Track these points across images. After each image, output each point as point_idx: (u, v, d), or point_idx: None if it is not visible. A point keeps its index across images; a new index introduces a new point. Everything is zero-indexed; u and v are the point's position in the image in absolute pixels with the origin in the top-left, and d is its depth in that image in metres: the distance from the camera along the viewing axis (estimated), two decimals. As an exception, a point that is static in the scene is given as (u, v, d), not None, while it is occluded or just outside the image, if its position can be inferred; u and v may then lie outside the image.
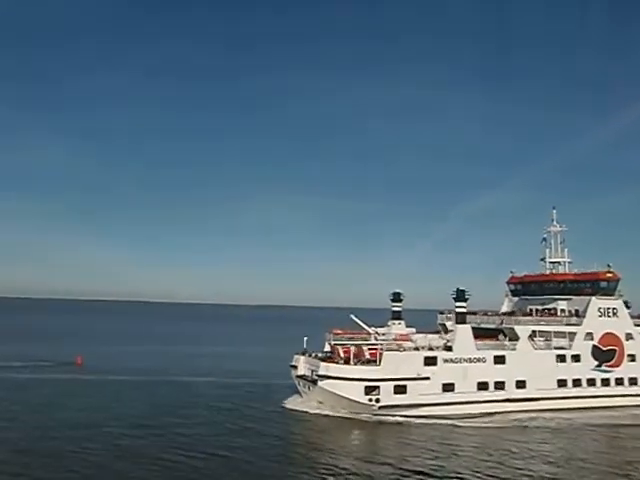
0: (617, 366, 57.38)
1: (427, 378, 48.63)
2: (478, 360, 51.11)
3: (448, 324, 57.39)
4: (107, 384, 63.01)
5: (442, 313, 63.48)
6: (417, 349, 50.13)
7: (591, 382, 55.78)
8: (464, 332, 51.77)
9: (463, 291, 52.97)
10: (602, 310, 58.15)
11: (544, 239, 65.35)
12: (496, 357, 51.97)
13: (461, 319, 52.31)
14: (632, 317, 60.77)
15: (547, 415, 50.47)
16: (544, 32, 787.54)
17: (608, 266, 60.89)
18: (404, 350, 49.57)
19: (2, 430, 40.04)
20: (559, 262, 64.27)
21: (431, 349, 50.50)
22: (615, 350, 57.59)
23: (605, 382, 56.44)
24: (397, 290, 64.05)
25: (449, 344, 51.28)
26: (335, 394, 47.48)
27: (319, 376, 48.05)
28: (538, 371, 52.93)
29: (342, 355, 50.18)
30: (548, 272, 64.34)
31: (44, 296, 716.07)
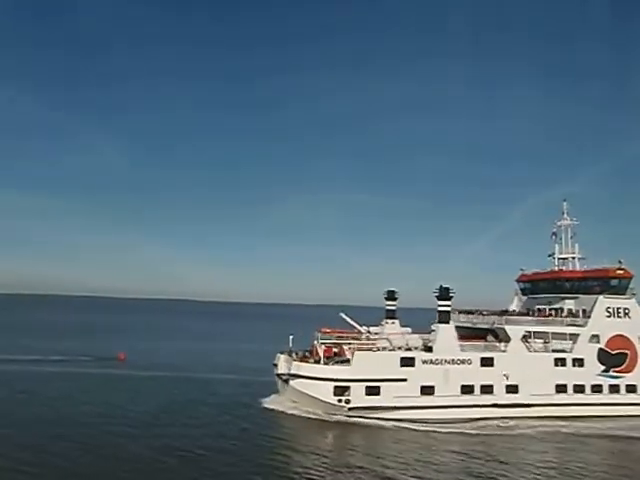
0: (629, 372, 52.40)
1: (404, 380, 46.17)
2: (462, 362, 48.10)
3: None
4: (134, 379, 64.34)
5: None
6: (393, 349, 47.69)
7: (597, 388, 51.21)
8: (446, 332, 48.91)
9: (447, 289, 50.12)
10: (611, 310, 53.28)
11: (554, 234, 60.83)
12: (483, 359, 48.74)
13: (444, 318, 49.46)
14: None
15: (542, 423, 46.99)
16: (607, 32, 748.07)
17: (619, 262, 55.81)
18: (378, 350, 47.23)
19: (39, 418, 43.15)
20: (568, 258, 59.58)
21: (409, 349, 47.94)
22: (626, 354, 52.61)
23: (614, 389, 51.67)
24: (391, 288, 61.75)
25: (429, 344, 48.51)
26: (306, 394, 46.10)
27: (290, 375, 46.94)
28: (533, 375, 49.16)
29: (322, 354, 48.62)
30: (557, 269, 59.84)
31: (98, 294, 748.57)
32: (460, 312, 58.79)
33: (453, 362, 47.90)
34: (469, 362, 48.27)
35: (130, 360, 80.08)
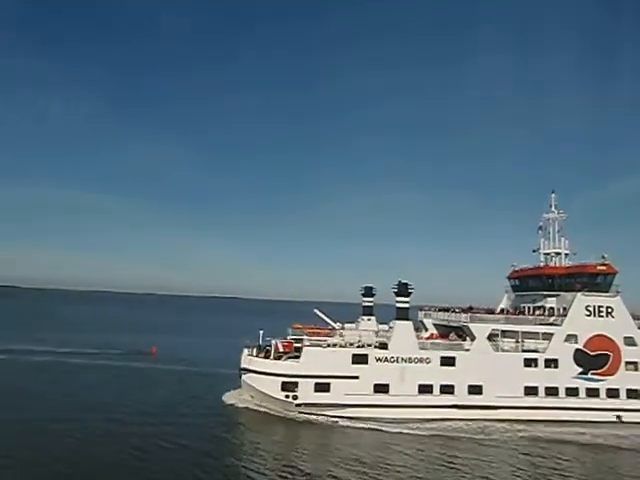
0: (610, 375, 48.89)
1: (355, 377, 45.22)
2: (420, 360, 46.46)
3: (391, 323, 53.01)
4: (146, 371, 66.61)
5: (422, 310, 59.04)
6: (344, 345, 46.82)
7: (572, 392, 48.09)
8: (403, 329, 47.38)
9: (406, 284, 48.51)
10: (591, 308, 49.89)
11: (540, 227, 57.76)
12: (443, 358, 46.84)
13: (402, 315, 47.88)
14: (636, 318, 51.47)
15: (509, 426, 44.71)
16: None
17: (602, 257, 52.23)
18: (328, 346, 46.50)
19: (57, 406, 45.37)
20: (551, 253, 56.44)
21: (361, 346, 46.90)
22: (608, 356, 49.11)
23: (592, 393, 48.34)
24: (369, 284, 60.64)
25: (385, 341, 47.29)
26: (256, 389, 46.12)
27: (243, 369, 46.98)
28: (499, 376, 46.76)
29: (281, 349, 48.45)
30: (543, 265, 56.83)
31: (157, 292, 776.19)
32: (438, 310, 57.23)
33: (410, 360, 46.36)
34: (427, 361, 46.56)
35: (158, 355, 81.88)
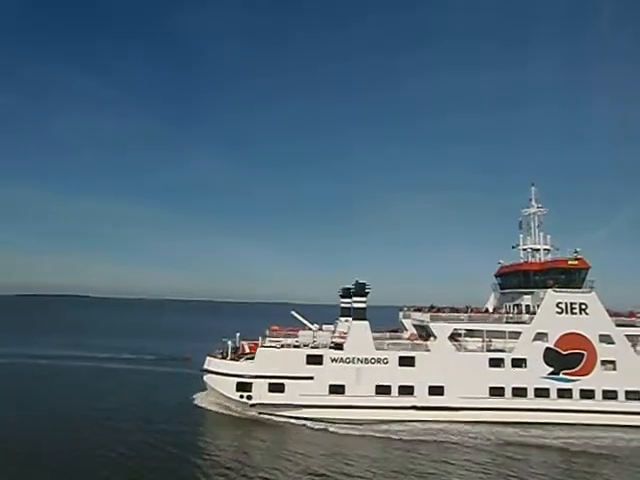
0: (584, 375, 46.55)
1: (310, 378, 45.53)
2: (377, 361, 46.11)
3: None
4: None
5: (402, 310, 58.48)
6: (298, 346, 47.19)
7: (542, 392, 46.17)
8: (359, 329, 47.21)
9: (363, 285, 48.43)
10: (563, 305, 47.69)
11: (520, 222, 55.74)
12: (402, 358, 46.24)
13: (359, 315, 47.80)
14: (614, 315, 48.68)
15: (470, 428, 43.57)
16: None
17: (575, 252, 49.79)
18: (282, 347, 47.03)
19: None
20: (528, 249, 54.35)
21: (316, 347, 47.10)
22: (582, 355, 46.79)
23: (564, 393, 46.21)
24: (346, 286, 60.34)
25: (340, 342, 47.27)
26: (214, 389, 47.38)
27: (203, 370, 48.36)
28: (462, 376, 45.68)
29: (247, 351, 49.59)
30: (523, 261, 54.82)
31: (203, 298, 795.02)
32: (413, 310, 56.49)
33: (366, 361, 46.12)
34: (385, 361, 46.13)
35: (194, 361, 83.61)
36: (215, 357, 48.26)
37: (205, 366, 48.19)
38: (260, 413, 45.52)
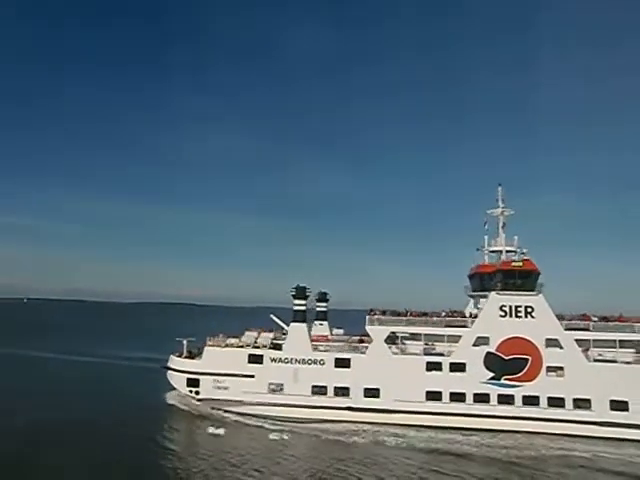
0: (528, 381, 44.71)
1: (251, 376, 48.39)
2: (314, 362, 47.87)
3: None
4: None
5: (371, 312, 59.25)
6: (242, 346, 50.12)
7: (482, 398, 45.05)
8: (297, 331, 49.24)
9: (303, 288, 50.43)
10: (507, 309, 46.16)
11: (485, 223, 54.31)
12: (338, 360, 47.56)
13: (298, 317, 49.86)
14: (563, 318, 46.09)
15: (406, 431, 43.90)
16: None
17: (522, 254, 47.85)
18: (227, 346, 50.23)
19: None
20: (487, 251, 52.77)
21: (257, 347, 49.75)
22: (526, 360, 44.99)
23: (505, 400, 44.71)
24: (323, 290, 62.44)
25: (279, 342, 49.57)
26: (172, 385, 51.82)
27: (164, 367, 52.93)
28: (398, 379, 46.02)
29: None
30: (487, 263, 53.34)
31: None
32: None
33: (303, 361, 48.01)
34: (322, 362, 47.72)
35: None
36: (176, 356, 52.70)
37: (169, 364, 52.66)
38: (212, 408, 49.02)
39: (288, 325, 57.66)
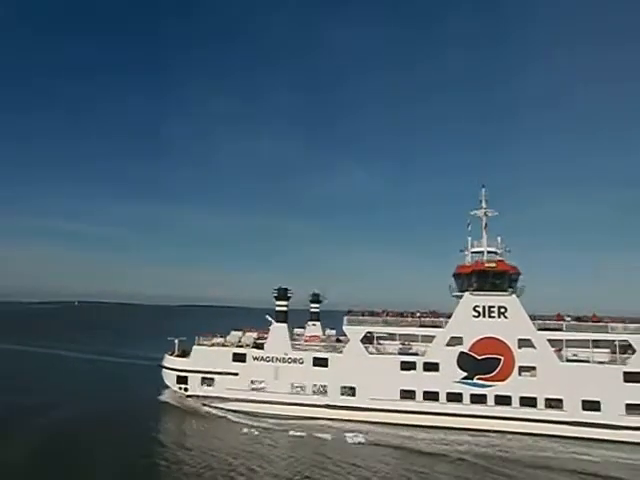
0: (500, 380, 45.06)
1: (235, 374, 50.66)
2: (293, 361, 49.68)
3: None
4: None
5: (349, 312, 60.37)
6: (227, 345, 52.43)
7: (455, 397, 45.72)
8: (278, 331, 51.15)
9: (285, 290, 52.25)
10: (480, 309, 46.64)
11: (468, 225, 54.55)
12: (316, 359, 49.21)
13: (280, 317, 51.73)
14: (536, 318, 46.09)
15: (381, 429, 45.07)
16: None
17: (495, 254, 48.10)
18: (213, 345, 52.67)
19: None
20: (466, 251, 52.93)
21: (241, 346, 51.94)
22: (499, 360, 45.36)
23: (477, 399, 45.22)
24: (316, 291, 64.17)
25: (261, 342, 51.62)
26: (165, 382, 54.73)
27: (159, 365, 55.88)
28: (373, 378, 47.28)
29: None
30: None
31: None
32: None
33: (284, 360, 49.88)
34: (301, 361, 49.46)
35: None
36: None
37: (163, 362, 55.60)
38: (203, 405, 51.53)
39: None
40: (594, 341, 44.86)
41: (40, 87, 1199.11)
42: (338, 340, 52.11)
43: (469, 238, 54.28)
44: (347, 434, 43.48)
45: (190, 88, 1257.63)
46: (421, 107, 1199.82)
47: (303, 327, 62.34)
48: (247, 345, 52.01)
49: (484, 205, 53.50)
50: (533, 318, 45.99)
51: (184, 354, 55.26)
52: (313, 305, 63.61)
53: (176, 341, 55.82)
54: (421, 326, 48.42)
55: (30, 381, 66.63)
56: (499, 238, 52.72)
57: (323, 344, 51.47)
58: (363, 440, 42.10)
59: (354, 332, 49.06)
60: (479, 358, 45.69)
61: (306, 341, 55.85)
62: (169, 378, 53.65)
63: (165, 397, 55.35)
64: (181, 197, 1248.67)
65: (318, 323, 62.18)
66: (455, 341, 46.58)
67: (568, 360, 44.90)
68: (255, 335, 53.78)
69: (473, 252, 53.24)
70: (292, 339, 53.67)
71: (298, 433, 43.94)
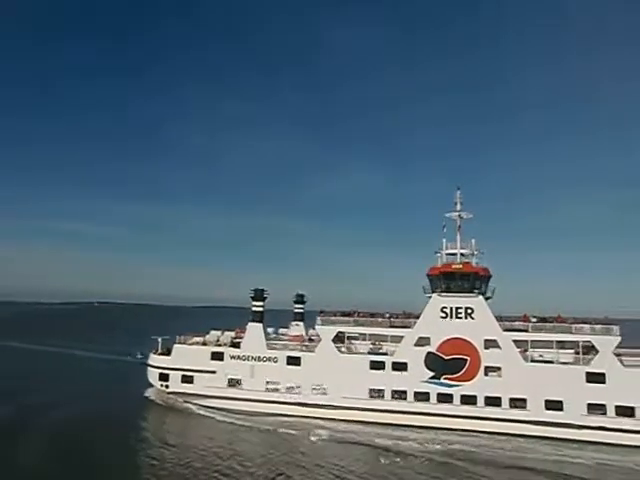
0: (467, 380, 45.85)
1: (213, 372, 52.33)
2: (268, 359, 51.13)
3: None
4: None
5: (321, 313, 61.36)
6: (206, 344, 54.12)
7: (422, 396, 46.64)
8: (254, 330, 52.66)
9: (262, 290, 53.70)
10: (447, 310, 47.48)
11: (443, 227, 55.24)
12: (289, 358, 50.59)
13: (256, 317, 53.24)
14: (503, 319, 46.73)
15: (352, 427, 46.15)
16: None
17: (462, 255, 48.85)
18: (193, 344, 54.43)
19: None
20: (441, 253, 53.61)
21: (219, 345, 53.59)
22: (465, 360, 46.15)
23: (444, 398, 46.06)
24: (300, 292, 65.45)
25: (238, 341, 53.18)
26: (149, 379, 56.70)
27: (143, 364, 57.85)
28: (343, 377, 48.47)
29: None
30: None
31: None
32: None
33: (259, 359, 51.37)
34: (275, 360, 50.89)
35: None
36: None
37: (148, 360, 57.57)
38: (185, 401, 53.28)
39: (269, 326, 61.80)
40: (558, 342, 45.39)
41: (43, 89, 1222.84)
42: (311, 339, 53.42)
43: (444, 240, 55.21)
44: (318, 431, 44.63)
45: (190, 89, 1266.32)
46: (421, 107, 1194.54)
47: (287, 327, 63.69)
48: (225, 344, 53.65)
49: (459, 207, 54.17)
50: (500, 319, 46.67)
51: (168, 352, 57.14)
52: (297, 305, 64.88)
53: (159, 340, 57.69)
54: (391, 326, 49.41)
55: (44, 381, 66.77)
56: (473, 240, 53.39)
57: (296, 343, 52.65)
58: (332, 438, 43.12)
59: (326, 332, 50.31)
60: (446, 358, 46.51)
61: (290, 341, 57.15)
62: (152, 376, 55.56)
63: (149, 394, 57.18)
64: (181, 197, 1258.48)
65: (301, 323, 63.41)
66: (423, 341, 47.47)
67: (533, 361, 45.41)
68: (233, 334, 55.34)
69: (447, 254, 54.06)
70: (273, 339, 55.27)
71: (271, 429, 45.27)
